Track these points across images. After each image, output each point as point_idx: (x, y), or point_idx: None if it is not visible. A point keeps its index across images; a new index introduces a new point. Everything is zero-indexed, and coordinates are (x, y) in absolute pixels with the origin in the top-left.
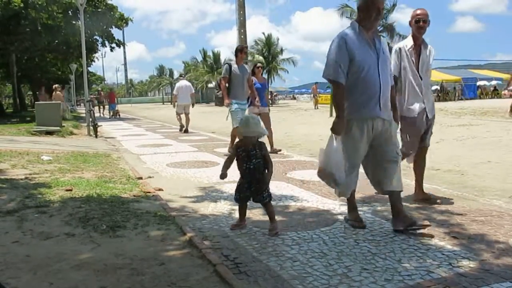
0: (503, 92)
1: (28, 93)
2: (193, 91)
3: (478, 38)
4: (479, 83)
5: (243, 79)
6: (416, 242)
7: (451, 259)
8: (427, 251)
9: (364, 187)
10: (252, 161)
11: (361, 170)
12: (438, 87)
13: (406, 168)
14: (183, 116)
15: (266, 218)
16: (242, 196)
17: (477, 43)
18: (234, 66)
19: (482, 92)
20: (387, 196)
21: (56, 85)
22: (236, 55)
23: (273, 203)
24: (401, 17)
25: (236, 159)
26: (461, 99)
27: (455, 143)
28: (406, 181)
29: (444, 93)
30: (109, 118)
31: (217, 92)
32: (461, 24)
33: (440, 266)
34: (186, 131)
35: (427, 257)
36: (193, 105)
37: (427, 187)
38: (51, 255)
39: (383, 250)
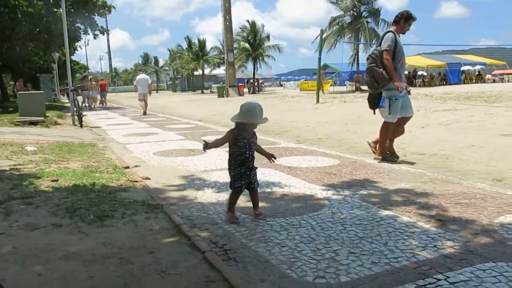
0: (486, 77)
1: (10, 83)
2: (150, 82)
3: (463, 23)
4: (463, 68)
5: (403, 55)
6: (401, 226)
7: (436, 241)
8: (412, 234)
9: (350, 172)
10: (252, 148)
11: (347, 155)
12: (424, 73)
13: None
14: (143, 102)
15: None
16: (244, 183)
17: (461, 28)
18: (397, 37)
19: (466, 77)
20: (372, 180)
21: (91, 77)
22: (397, 22)
23: (261, 189)
24: (386, 3)
25: (233, 146)
26: (444, 84)
27: (439, 128)
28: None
29: (429, 78)
30: (102, 106)
31: (381, 70)
32: (446, 10)
33: (425, 248)
34: (145, 113)
35: (413, 240)
36: (150, 93)
37: (413, 171)
38: (38, 246)
39: (369, 234)
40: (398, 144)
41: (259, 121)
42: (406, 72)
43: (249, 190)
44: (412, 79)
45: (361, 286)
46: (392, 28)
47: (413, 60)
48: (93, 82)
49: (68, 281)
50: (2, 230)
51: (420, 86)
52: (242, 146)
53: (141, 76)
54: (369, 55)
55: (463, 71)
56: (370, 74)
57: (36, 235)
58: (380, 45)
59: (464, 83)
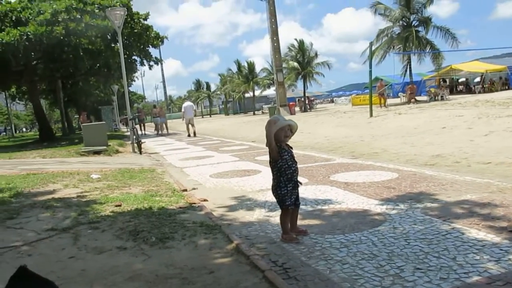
0: None
1: (75, 116)
2: (195, 108)
3: None
4: None
5: None
6: (470, 239)
7: (510, 254)
8: (483, 247)
9: (410, 185)
10: (296, 161)
11: (406, 168)
12: (478, 79)
13: (453, 164)
14: (190, 126)
15: (310, 222)
16: (293, 200)
17: None
18: None
19: None
20: (434, 193)
21: (156, 105)
22: None
23: (318, 206)
24: (436, 10)
25: (279, 161)
26: (506, 89)
27: (505, 135)
28: (455, 177)
29: (489, 84)
30: (157, 133)
31: None
32: (502, 10)
33: (498, 262)
34: (194, 135)
35: (484, 254)
36: (195, 116)
37: (479, 181)
38: (105, 268)
39: (436, 248)
40: (460, 154)
41: (287, 122)
42: (463, 79)
43: (294, 206)
44: (472, 86)
45: None
46: None
47: (470, 66)
48: (163, 110)
49: None
50: (72, 254)
51: (480, 92)
52: (288, 159)
53: (187, 103)
54: None
55: None
56: None
57: (103, 258)
58: None
59: None
